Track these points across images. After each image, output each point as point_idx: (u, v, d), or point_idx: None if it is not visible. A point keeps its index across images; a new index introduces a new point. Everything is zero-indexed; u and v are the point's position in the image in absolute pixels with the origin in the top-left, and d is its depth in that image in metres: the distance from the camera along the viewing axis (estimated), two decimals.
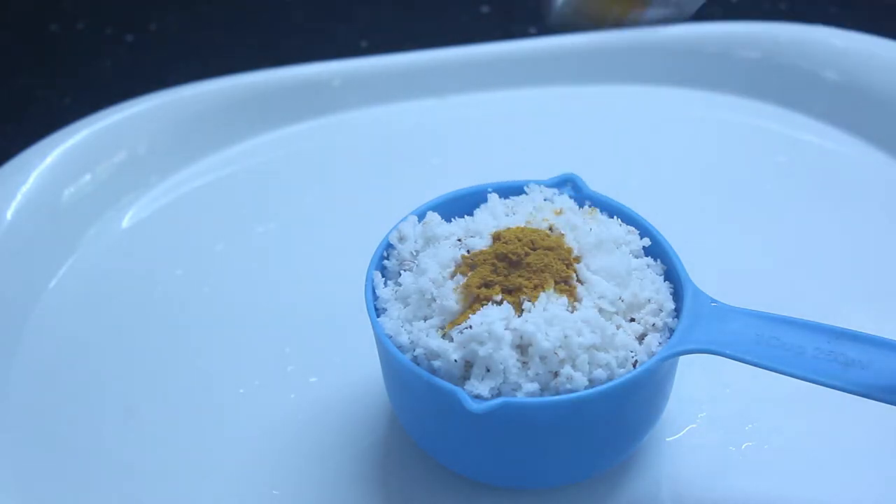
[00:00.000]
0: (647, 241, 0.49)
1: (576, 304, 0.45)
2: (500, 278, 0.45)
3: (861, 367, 0.42)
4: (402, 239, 0.50)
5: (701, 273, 0.49)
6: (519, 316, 0.44)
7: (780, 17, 0.87)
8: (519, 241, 0.47)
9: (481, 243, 0.48)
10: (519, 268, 0.46)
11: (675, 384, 0.49)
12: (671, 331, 0.46)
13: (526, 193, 0.52)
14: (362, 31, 0.91)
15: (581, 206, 0.52)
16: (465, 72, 0.78)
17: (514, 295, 0.45)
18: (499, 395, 0.43)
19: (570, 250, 0.47)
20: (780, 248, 0.63)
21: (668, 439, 0.52)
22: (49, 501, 0.51)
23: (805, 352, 0.43)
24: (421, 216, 0.51)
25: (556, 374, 0.43)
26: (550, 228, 0.48)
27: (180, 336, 0.60)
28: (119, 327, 0.61)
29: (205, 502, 0.51)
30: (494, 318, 0.43)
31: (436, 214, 0.51)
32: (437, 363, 0.44)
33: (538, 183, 0.52)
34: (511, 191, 0.52)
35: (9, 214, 0.65)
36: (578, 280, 0.46)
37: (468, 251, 0.48)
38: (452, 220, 0.51)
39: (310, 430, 0.53)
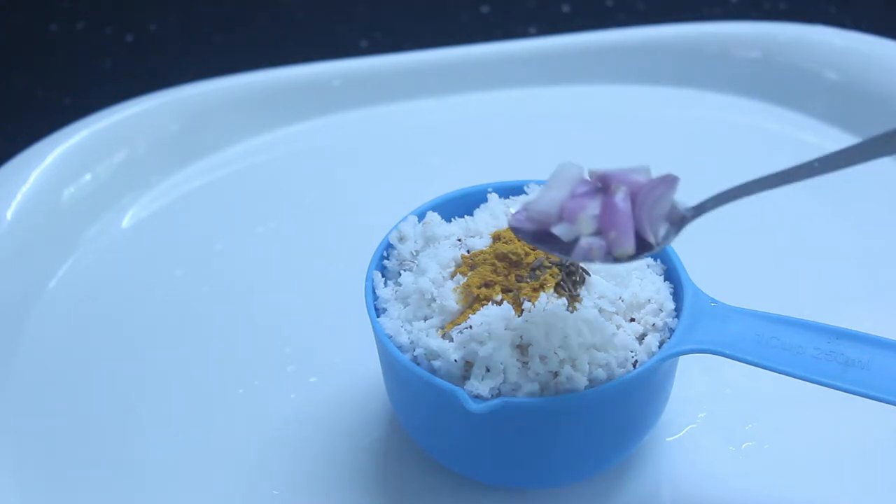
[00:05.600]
0: None
1: (576, 304, 0.45)
2: (500, 278, 0.45)
3: (861, 367, 0.42)
4: (402, 239, 0.50)
5: (701, 273, 0.49)
6: (519, 316, 0.44)
7: (780, 17, 0.87)
8: (519, 241, 0.47)
9: (481, 243, 0.48)
10: (519, 268, 0.46)
11: (675, 384, 0.49)
12: (671, 331, 0.46)
13: (526, 193, 0.52)
14: (362, 31, 0.91)
15: None
16: (465, 72, 0.78)
17: (514, 295, 0.45)
18: (499, 395, 0.43)
19: None
20: (780, 248, 0.63)
21: (668, 439, 0.52)
22: (49, 501, 0.51)
23: (805, 352, 0.43)
24: (421, 216, 0.51)
25: (556, 374, 0.43)
26: None
27: (180, 336, 0.60)
28: (119, 327, 0.61)
29: (205, 502, 0.51)
30: (494, 318, 0.43)
31: (436, 214, 0.51)
32: (437, 363, 0.44)
33: (538, 183, 0.52)
34: (511, 191, 0.52)
35: (9, 214, 0.65)
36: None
37: (468, 251, 0.48)
38: (452, 220, 0.51)
39: (310, 430, 0.53)
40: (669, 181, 0.42)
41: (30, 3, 0.97)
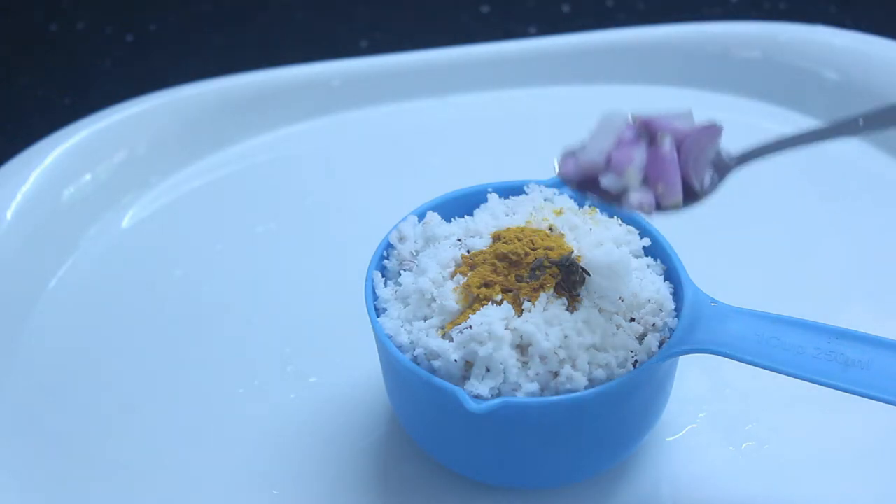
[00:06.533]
0: (647, 241, 0.49)
1: (576, 304, 0.45)
2: (500, 278, 0.45)
3: (861, 367, 0.42)
4: (402, 239, 0.50)
5: (701, 273, 0.49)
6: (519, 316, 0.44)
7: (780, 17, 0.87)
8: (519, 241, 0.47)
9: (481, 243, 0.48)
10: (519, 268, 0.46)
11: (675, 384, 0.49)
12: (671, 331, 0.46)
13: (526, 193, 0.52)
14: (362, 31, 0.91)
15: (581, 206, 0.52)
16: (465, 72, 0.78)
17: (514, 295, 0.45)
18: (499, 395, 0.43)
19: (570, 250, 0.47)
20: (780, 248, 0.63)
21: (668, 439, 0.52)
22: (49, 501, 0.51)
23: (805, 352, 0.43)
24: (421, 216, 0.51)
25: (556, 374, 0.43)
26: (550, 228, 0.48)
27: (180, 336, 0.60)
28: (119, 327, 0.61)
29: (205, 502, 0.51)
30: (494, 318, 0.43)
31: (436, 214, 0.51)
32: (437, 363, 0.44)
33: (538, 183, 0.52)
34: (511, 191, 0.52)
35: (9, 214, 0.65)
36: None
37: (468, 251, 0.48)
38: (452, 220, 0.51)
39: (310, 430, 0.53)
40: (714, 131, 0.43)
41: (30, 3, 0.97)
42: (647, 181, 0.43)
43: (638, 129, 0.43)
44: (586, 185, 0.44)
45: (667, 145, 0.42)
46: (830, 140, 0.42)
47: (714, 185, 0.43)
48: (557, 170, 0.45)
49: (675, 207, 0.43)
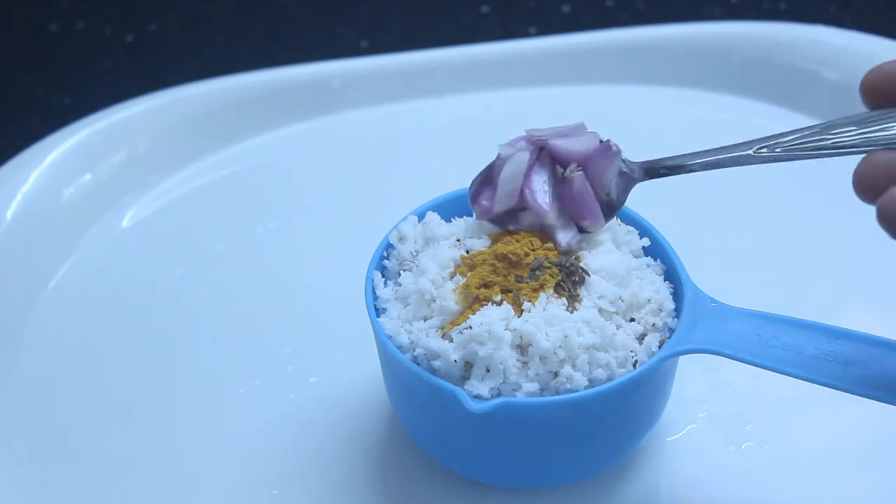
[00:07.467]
0: (647, 241, 0.49)
1: (576, 304, 0.45)
2: (500, 279, 0.45)
3: (861, 367, 0.42)
4: (402, 239, 0.50)
5: (701, 273, 0.49)
6: (519, 316, 0.44)
7: (780, 17, 0.87)
8: (518, 241, 0.47)
9: (480, 244, 0.48)
10: (518, 268, 0.46)
11: (675, 384, 0.49)
12: (671, 331, 0.46)
13: None
14: (362, 31, 0.91)
15: None
16: (465, 72, 0.78)
17: (514, 295, 0.45)
18: (499, 395, 0.43)
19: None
20: (780, 248, 0.63)
21: (668, 439, 0.52)
22: (49, 501, 0.51)
23: (805, 352, 0.43)
24: (421, 216, 0.51)
25: (556, 374, 0.43)
26: None
27: (180, 336, 0.60)
28: (119, 327, 0.61)
29: (205, 502, 0.51)
30: (494, 318, 0.43)
31: (436, 214, 0.51)
32: (437, 363, 0.44)
33: None
34: None
35: (9, 214, 0.65)
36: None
37: (468, 251, 0.48)
38: (452, 220, 0.51)
39: (310, 429, 0.53)
40: (612, 152, 0.46)
41: (30, 3, 0.97)
42: (563, 208, 0.47)
43: (535, 146, 0.47)
44: (504, 218, 0.48)
45: (578, 181, 0.46)
46: (727, 166, 0.44)
47: (622, 196, 0.47)
48: (476, 216, 0.48)
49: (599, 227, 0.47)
